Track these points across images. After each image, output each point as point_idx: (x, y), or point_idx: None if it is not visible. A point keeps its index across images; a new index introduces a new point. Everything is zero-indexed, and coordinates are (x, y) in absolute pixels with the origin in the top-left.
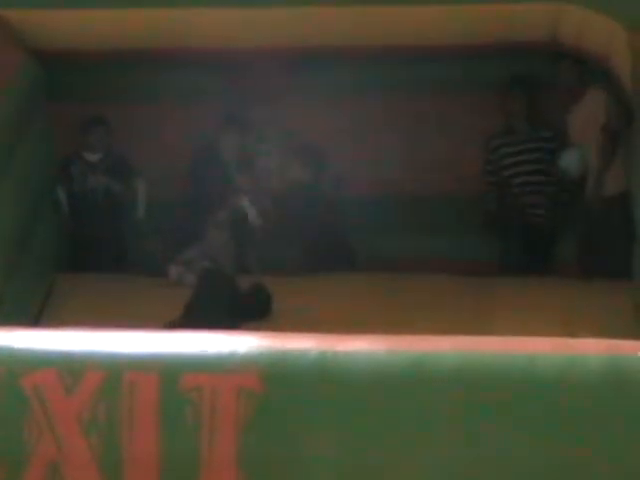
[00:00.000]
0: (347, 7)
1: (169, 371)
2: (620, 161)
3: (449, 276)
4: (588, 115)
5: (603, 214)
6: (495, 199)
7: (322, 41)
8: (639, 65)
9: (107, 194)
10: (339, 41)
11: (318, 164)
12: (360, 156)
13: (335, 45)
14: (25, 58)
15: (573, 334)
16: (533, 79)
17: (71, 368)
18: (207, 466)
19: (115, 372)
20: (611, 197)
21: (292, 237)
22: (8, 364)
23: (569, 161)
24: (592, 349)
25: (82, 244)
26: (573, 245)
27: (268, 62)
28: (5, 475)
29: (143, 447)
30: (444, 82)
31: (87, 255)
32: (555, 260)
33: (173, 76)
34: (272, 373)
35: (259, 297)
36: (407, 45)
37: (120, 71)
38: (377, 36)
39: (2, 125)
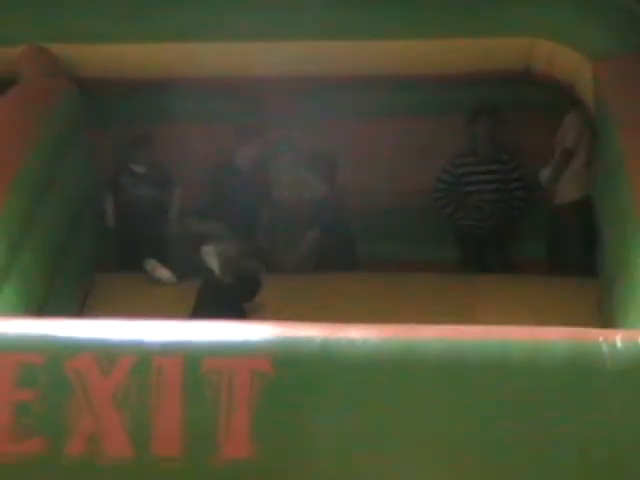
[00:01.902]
0: (345, 41)
1: (192, 356)
2: (580, 172)
3: (435, 274)
4: (561, 136)
5: (566, 219)
6: (449, 206)
7: (323, 70)
8: (600, 91)
9: (151, 201)
10: (338, 71)
11: (332, 176)
12: (356, 171)
13: (334, 74)
14: (67, 86)
15: (543, 324)
16: (501, 105)
17: (107, 353)
18: (224, 438)
19: (145, 357)
20: (573, 203)
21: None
22: (52, 351)
23: (546, 177)
24: (559, 335)
25: (127, 246)
26: (543, 245)
27: (278, 88)
28: (49, 447)
29: (169, 421)
30: (428, 105)
31: (131, 256)
32: (526, 259)
33: (197, 101)
34: (281, 357)
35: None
36: (397, 74)
37: (152, 96)
38: (370, 66)
39: (46, 146)
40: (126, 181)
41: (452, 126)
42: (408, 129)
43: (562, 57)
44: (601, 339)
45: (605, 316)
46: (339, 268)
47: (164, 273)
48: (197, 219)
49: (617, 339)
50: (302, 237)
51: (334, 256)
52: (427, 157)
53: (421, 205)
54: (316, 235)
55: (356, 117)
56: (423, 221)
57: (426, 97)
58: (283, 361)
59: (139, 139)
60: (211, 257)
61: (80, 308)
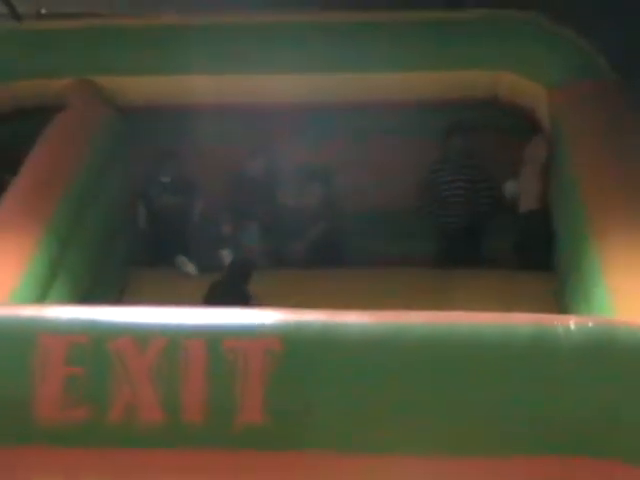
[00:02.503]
0: (339, 74)
1: (213, 338)
2: (543, 183)
3: (417, 269)
4: (529, 154)
5: (530, 222)
6: (427, 206)
7: (321, 97)
8: (555, 115)
9: (176, 207)
10: (333, 97)
11: (329, 185)
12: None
13: (329, 100)
14: (108, 112)
15: (510, 310)
16: (471, 125)
17: (142, 336)
18: (240, 408)
19: (174, 339)
20: (535, 210)
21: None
22: (96, 333)
23: (510, 188)
24: (523, 320)
25: (157, 245)
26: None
27: (286, 112)
28: (93, 414)
29: (194, 393)
30: (410, 127)
31: (160, 253)
32: (498, 256)
33: (215, 123)
34: (289, 338)
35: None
36: (381, 100)
37: (177, 119)
38: (360, 93)
39: (91, 162)
40: (155, 190)
41: (429, 143)
42: (392, 146)
43: (522, 87)
44: (558, 323)
45: (561, 305)
46: (332, 261)
47: (190, 267)
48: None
49: (571, 323)
50: (304, 233)
51: (327, 250)
52: (407, 168)
53: (403, 207)
54: (320, 228)
55: (348, 136)
56: (406, 221)
57: (408, 120)
58: (290, 341)
59: (165, 154)
60: (228, 259)
61: (118, 297)
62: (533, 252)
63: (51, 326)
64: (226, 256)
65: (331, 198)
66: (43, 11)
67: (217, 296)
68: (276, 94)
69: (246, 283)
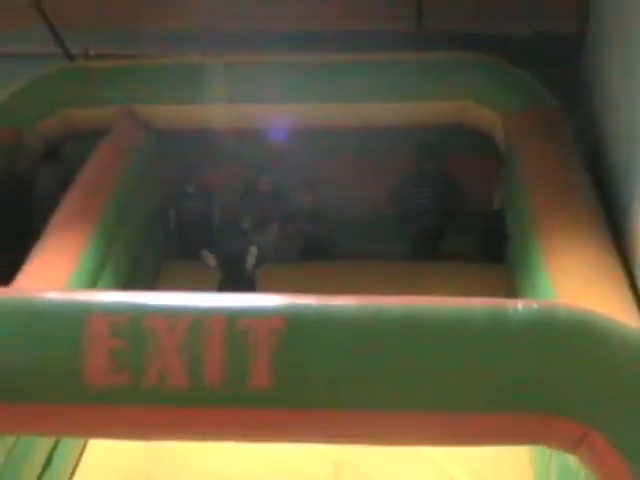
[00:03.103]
0: (330, 104)
1: (230, 317)
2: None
3: (391, 262)
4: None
5: (491, 222)
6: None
7: (315, 121)
8: (509, 138)
9: (199, 211)
10: (324, 123)
11: (315, 194)
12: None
13: (323, 124)
14: (146, 134)
15: (468, 295)
16: (441, 146)
17: (173, 315)
18: (252, 374)
19: (198, 318)
20: (496, 210)
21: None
22: (135, 313)
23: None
24: (480, 303)
25: (184, 242)
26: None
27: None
28: (132, 379)
29: (214, 362)
30: (385, 147)
31: (186, 249)
32: (462, 250)
33: (232, 143)
34: (291, 317)
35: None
36: (364, 126)
37: (202, 140)
38: (347, 120)
39: (131, 176)
40: (182, 198)
41: (404, 161)
42: (373, 163)
43: (482, 114)
44: (508, 305)
45: (512, 292)
46: (322, 255)
47: (211, 260)
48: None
49: (519, 305)
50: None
51: (317, 247)
52: (386, 181)
53: (380, 212)
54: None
55: (337, 154)
56: (383, 223)
57: (387, 141)
58: (292, 320)
59: (190, 169)
60: (251, 256)
61: (153, 284)
62: (495, 246)
63: (99, 307)
64: (252, 252)
65: (319, 205)
66: (91, 52)
67: (231, 282)
68: (279, 119)
69: (254, 272)
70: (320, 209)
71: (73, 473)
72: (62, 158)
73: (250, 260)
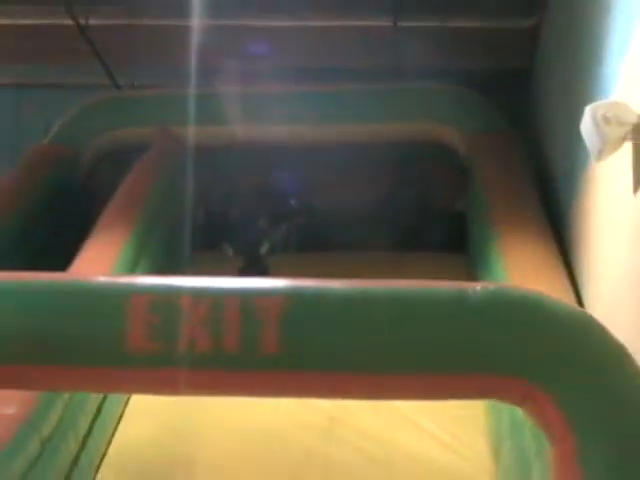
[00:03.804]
0: (323, 125)
1: (244, 298)
2: None
3: (375, 252)
4: None
5: (456, 221)
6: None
7: (309, 139)
8: (471, 156)
9: (222, 212)
10: (319, 140)
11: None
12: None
13: (317, 142)
14: (180, 149)
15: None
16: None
17: (198, 295)
18: (263, 343)
19: (218, 299)
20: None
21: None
22: (168, 293)
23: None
24: (443, 285)
25: (208, 236)
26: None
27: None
28: (168, 347)
29: (232, 333)
30: (370, 160)
31: (211, 242)
32: (433, 243)
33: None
34: (295, 296)
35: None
36: (351, 142)
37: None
38: (337, 138)
39: (165, 182)
40: (210, 199)
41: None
42: (358, 174)
43: (452, 134)
44: (468, 287)
45: (472, 278)
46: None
47: (230, 251)
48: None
49: (477, 287)
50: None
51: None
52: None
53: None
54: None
55: (327, 167)
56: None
57: (370, 157)
58: (295, 298)
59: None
60: (264, 249)
61: (183, 271)
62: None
63: (139, 289)
64: (265, 246)
65: (312, 206)
66: (135, 83)
67: (248, 269)
68: (282, 138)
69: (267, 261)
70: (313, 209)
71: (119, 422)
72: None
73: (264, 251)
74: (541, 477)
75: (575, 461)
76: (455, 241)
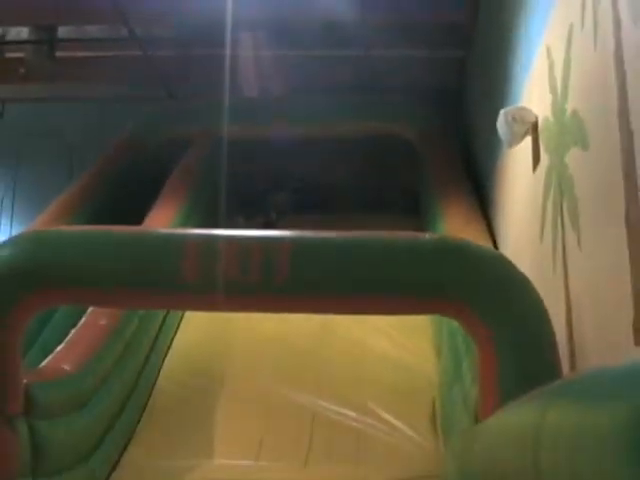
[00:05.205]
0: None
1: (264, 243)
2: None
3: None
4: None
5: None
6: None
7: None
8: (420, 144)
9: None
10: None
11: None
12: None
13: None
14: (216, 144)
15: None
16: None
17: (231, 242)
18: (277, 273)
19: (246, 244)
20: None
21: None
22: (207, 240)
23: None
24: (400, 235)
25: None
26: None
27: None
28: (208, 278)
29: (255, 267)
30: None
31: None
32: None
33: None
34: (297, 243)
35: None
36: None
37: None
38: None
39: (203, 170)
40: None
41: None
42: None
43: (407, 130)
44: (421, 236)
45: (423, 230)
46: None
47: (242, 217)
48: None
49: (427, 235)
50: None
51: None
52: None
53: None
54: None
55: (317, 156)
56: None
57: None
58: (298, 244)
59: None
60: (273, 216)
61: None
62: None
63: (190, 237)
64: (273, 215)
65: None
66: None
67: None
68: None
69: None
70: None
71: (176, 330)
72: None
73: (273, 217)
74: (469, 367)
75: (493, 353)
76: (410, 206)
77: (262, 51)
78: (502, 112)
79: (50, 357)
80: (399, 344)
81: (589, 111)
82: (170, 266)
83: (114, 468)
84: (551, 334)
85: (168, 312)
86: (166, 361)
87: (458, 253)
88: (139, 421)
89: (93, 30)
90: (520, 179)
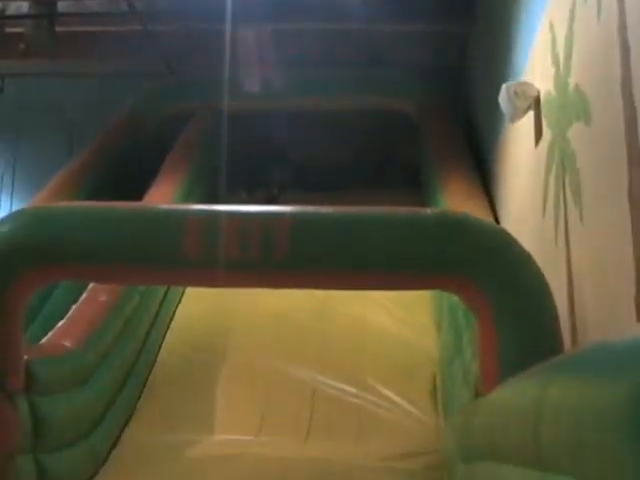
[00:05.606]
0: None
1: (264, 218)
2: None
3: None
4: None
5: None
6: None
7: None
8: (420, 119)
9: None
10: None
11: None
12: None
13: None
14: (215, 117)
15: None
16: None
17: (232, 217)
18: (276, 249)
19: (246, 220)
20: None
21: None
22: (210, 216)
23: None
24: (405, 210)
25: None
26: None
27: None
28: (209, 253)
29: (256, 243)
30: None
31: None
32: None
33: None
34: (298, 218)
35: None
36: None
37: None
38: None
39: (204, 143)
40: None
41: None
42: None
43: (407, 105)
44: (423, 211)
45: (424, 205)
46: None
47: (244, 195)
48: None
49: (428, 211)
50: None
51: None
52: (358, 148)
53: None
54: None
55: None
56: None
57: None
58: (298, 219)
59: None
60: (274, 191)
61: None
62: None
63: (192, 212)
64: (274, 190)
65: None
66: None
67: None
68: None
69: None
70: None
71: (178, 305)
72: None
73: (274, 192)
74: (469, 342)
75: (494, 327)
76: (411, 182)
77: (264, 30)
78: (504, 87)
79: (51, 333)
80: (399, 319)
81: (592, 85)
82: (172, 242)
83: (115, 444)
84: (552, 308)
85: (169, 288)
86: (168, 334)
87: (459, 228)
88: (140, 397)
89: (93, 5)
90: (522, 154)
